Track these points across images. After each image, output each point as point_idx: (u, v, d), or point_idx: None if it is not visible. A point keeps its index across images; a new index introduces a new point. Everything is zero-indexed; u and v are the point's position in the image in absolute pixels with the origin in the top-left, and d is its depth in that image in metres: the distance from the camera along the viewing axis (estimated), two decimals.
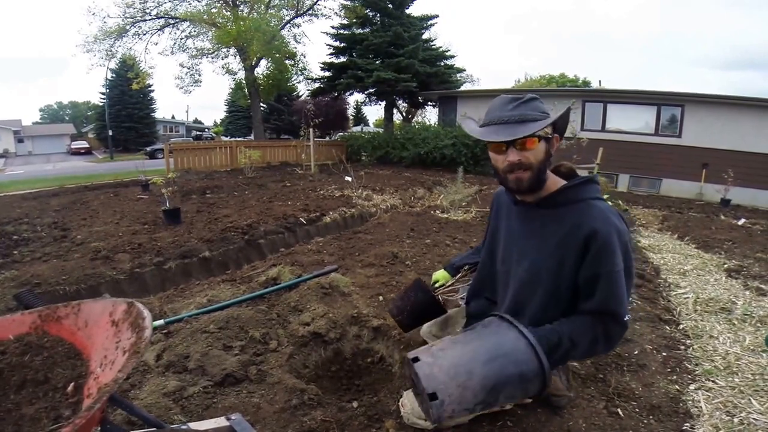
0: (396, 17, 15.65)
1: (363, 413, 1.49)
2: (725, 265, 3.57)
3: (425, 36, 16.98)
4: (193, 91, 33.16)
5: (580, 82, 33.47)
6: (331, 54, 17.01)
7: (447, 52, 17.00)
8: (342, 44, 16.64)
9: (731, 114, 9.39)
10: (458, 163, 9.55)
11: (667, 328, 2.34)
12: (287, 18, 15.69)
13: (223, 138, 31.96)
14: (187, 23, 14.84)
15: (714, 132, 9.55)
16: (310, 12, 15.94)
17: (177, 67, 24.48)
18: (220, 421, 1.33)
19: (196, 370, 1.67)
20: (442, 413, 1.01)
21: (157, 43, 31.24)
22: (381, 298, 2.52)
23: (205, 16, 14.30)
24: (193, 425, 1.32)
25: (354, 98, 24.77)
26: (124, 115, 31.76)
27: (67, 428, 0.70)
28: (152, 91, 34.26)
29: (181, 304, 2.41)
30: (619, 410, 1.56)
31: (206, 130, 41.30)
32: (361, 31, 16.14)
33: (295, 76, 17.47)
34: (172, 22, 14.90)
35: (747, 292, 2.89)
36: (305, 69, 16.88)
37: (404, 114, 19.71)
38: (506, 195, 1.43)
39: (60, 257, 3.47)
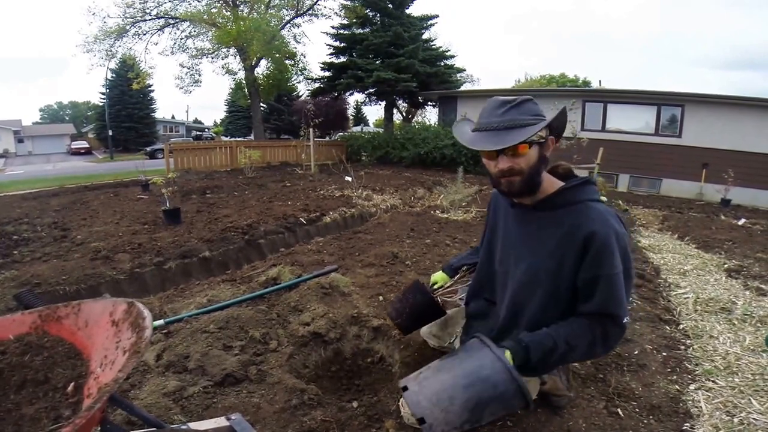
0: (396, 17, 15.64)
1: (363, 413, 1.49)
2: (725, 265, 3.57)
3: (425, 36, 16.97)
4: (193, 91, 33.12)
5: (581, 82, 33.45)
6: (331, 54, 17.01)
7: (447, 52, 16.99)
8: (342, 44, 16.62)
9: (731, 114, 9.38)
10: (458, 163, 9.53)
11: (667, 328, 2.34)
12: (287, 18, 15.69)
13: (223, 138, 31.93)
14: (187, 23, 14.83)
15: (714, 132, 9.53)
16: (310, 12, 15.93)
17: (177, 67, 24.51)
18: (220, 421, 1.33)
19: (196, 370, 1.67)
20: None
21: (157, 43, 31.28)
22: (381, 298, 2.52)
23: (205, 16, 14.28)
24: (193, 425, 1.32)
25: (354, 98, 24.81)
26: (124, 115, 31.76)
27: (67, 428, 0.70)
28: (152, 91, 34.28)
29: (181, 304, 2.41)
30: (619, 410, 1.56)
31: (206, 130, 41.26)
32: (361, 31, 16.12)
33: (295, 76, 17.46)
34: (172, 22, 14.89)
35: (747, 292, 2.89)
36: (305, 69, 16.89)
37: (404, 114, 19.70)
38: (503, 197, 1.42)
39: (60, 257, 3.47)
